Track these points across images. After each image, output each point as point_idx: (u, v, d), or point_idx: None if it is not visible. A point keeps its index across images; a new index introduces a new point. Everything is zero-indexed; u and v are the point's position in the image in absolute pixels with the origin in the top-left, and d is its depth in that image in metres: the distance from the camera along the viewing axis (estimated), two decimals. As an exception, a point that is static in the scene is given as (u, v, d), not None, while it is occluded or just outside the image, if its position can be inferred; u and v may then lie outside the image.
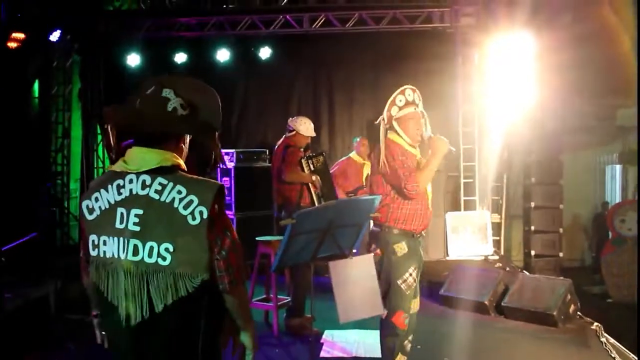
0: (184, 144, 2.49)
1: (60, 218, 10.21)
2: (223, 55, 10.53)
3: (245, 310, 2.50)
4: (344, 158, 8.25)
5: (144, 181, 2.33)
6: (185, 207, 2.29)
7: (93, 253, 2.35)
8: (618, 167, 13.87)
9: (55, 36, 9.62)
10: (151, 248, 2.28)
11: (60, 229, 10.13)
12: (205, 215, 2.28)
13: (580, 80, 10.13)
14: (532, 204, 10.12)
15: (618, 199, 13.46)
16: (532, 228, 10.16)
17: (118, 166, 2.40)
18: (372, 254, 4.15)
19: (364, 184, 7.97)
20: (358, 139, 8.41)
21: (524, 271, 8.39)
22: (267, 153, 9.50)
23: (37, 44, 9.38)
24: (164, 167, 2.35)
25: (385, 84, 10.91)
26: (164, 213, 2.29)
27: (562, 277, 6.97)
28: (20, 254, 6.48)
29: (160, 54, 10.62)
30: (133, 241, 2.28)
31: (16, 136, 8.70)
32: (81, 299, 4.71)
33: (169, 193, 2.31)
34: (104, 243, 2.33)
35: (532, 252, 10.15)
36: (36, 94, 10.04)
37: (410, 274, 4.27)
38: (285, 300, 6.17)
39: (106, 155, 10.60)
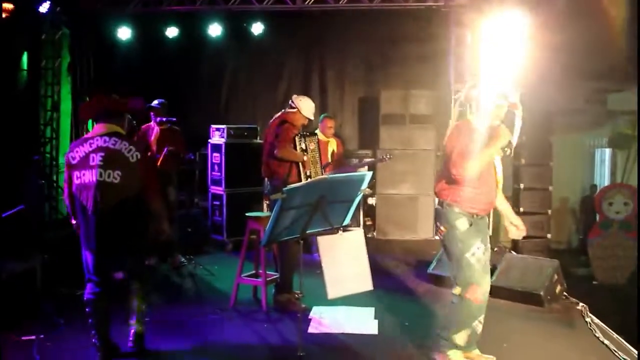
0: (125, 120, 4.74)
1: (48, 192, 10.14)
2: (215, 30, 10.46)
3: (161, 209, 4.66)
4: None
5: (105, 139, 4.48)
6: (128, 152, 4.46)
7: (77, 182, 4.45)
8: (607, 151, 13.92)
9: (44, 7, 9.47)
10: (109, 173, 4.39)
11: (48, 203, 10.07)
12: (139, 157, 4.47)
13: (572, 62, 10.11)
14: (522, 185, 10.14)
15: (607, 182, 13.53)
16: (521, 209, 10.18)
17: (89, 134, 4.59)
18: (362, 229, 4.16)
19: (330, 160, 8.02)
20: (323, 117, 8.45)
21: (512, 251, 8.43)
22: (258, 130, 9.46)
23: (26, 15, 9.24)
24: (117, 132, 4.55)
25: (377, 63, 10.93)
26: (116, 155, 4.44)
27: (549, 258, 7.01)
28: (7, 228, 6.43)
29: (151, 28, 10.53)
30: (100, 170, 4.39)
31: (4, 109, 8.59)
32: (69, 273, 4.84)
33: (119, 145, 4.47)
34: (83, 175, 4.42)
35: (521, 233, 10.19)
36: (25, 66, 9.90)
37: (479, 248, 4.36)
38: (274, 276, 6.17)
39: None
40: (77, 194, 4.46)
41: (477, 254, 4.35)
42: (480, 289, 4.38)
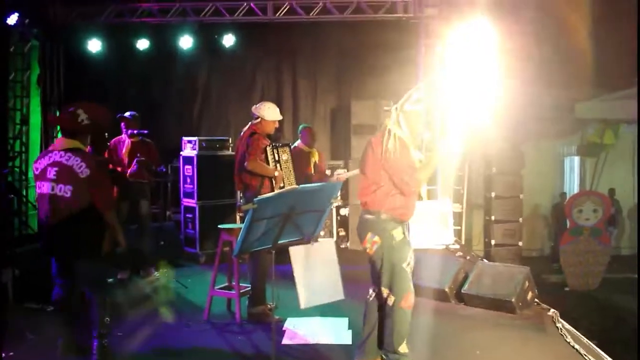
0: (88, 137, 4.90)
1: (18, 206, 10.01)
2: (186, 42, 10.45)
3: (115, 222, 4.82)
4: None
5: (61, 154, 4.71)
6: (78, 168, 4.64)
7: (38, 191, 4.80)
8: (576, 159, 14.16)
9: (12, 20, 9.38)
10: (61, 187, 4.66)
11: (18, 218, 9.93)
12: (88, 174, 4.63)
13: (541, 72, 10.29)
14: (493, 194, 10.26)
15: (576, 190, 13.75)
16: (493, 218, 10.31)
17: (51, 147, 4.90)
18: (333, 239, 4.18)
19: (312, 171, 8.00)
20: (303, 128, 8.42)
21: (484, 259, 8.49)
22: (230, 141, 9.44)
23: (-7, 27, 9.16)
24: (74, 148, 4.74)
25: (348, 74, 11.01)
26: (68, 171, 4.65)
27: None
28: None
29: (122, 40, 10.48)
30: (52, 184, 4.68)
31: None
32: (40, 288, 4.82)
33: (71, 161, 4.67)
34: (42, 186, 4.73)
35: (493, 242, 10.31)
36: (-7, 79, 9.80)
37: (411, 257, 4.41)
38: (248, 288, 6.15)
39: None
40: (37, 202, 4.93)
41: (411, 263, 4.42)
42: (412, 295, 4.44)
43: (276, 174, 6.13)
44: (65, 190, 4.66)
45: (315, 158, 8.19)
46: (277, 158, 6.23)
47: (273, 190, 6.01)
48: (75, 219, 4.69)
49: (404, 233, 4.41)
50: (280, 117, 6.36)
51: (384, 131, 4.40)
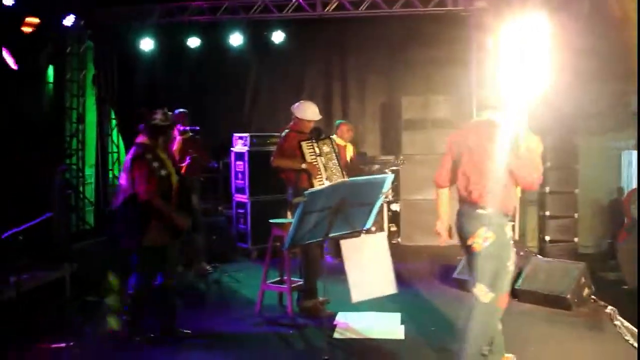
0: (157, 136, 5.19)
1: (75, 203, 10.27)
2: (236, 39, 10.53)
3: (164, 209, 4.99)
4: None
5: None
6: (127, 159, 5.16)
7: None
8: (634, 153, 13.76)
9: (69, 21, 9.63)
10: (120, 175, 5.21)
11: (75, 213, 10.19)
12: (130, 164, 5.03)
13: (595, 65, 10.02)
14: (547, 189, 10.04)
15: (634, 185, 13.36)
16: (547, 213, 10.08)
17: None
18: (386, 233, 4.15)
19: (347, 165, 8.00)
20: (338, 123, 8.44)
21: (538, 255, 8.33)
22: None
23: (51, 29, 9.39)
24: (139, 143, 5.13)
25: (398, 69, 10.92)
26: (126, 161, 5.16)
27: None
28: (35, 237, 6.52)
29: (174, 39, 10.64)
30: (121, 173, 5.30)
31: (31, 122, 8.74)
32: (96, 281, 4.88)
33: (129, 154, 5.17)
34: None
35: (547, 238, 10.08)
36: (51, 79, 10.06)
37: (515, 256, 4.34)
38: (299, 283, 6.17)
39: (121, 140, 10.71)
40: None
41: (514, 262, 4.33)
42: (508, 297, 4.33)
43: (304, 166, 6.06)
44: (122, 177, 5.16)
45: (350, 153, 8.22)
46: (317, 152, 6.20)
47: (311, 183, 6.01)
48: (125, 205, 5.09)
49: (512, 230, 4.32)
50: (315, 117, 6.30)
51: (503, 126, 4.32)
